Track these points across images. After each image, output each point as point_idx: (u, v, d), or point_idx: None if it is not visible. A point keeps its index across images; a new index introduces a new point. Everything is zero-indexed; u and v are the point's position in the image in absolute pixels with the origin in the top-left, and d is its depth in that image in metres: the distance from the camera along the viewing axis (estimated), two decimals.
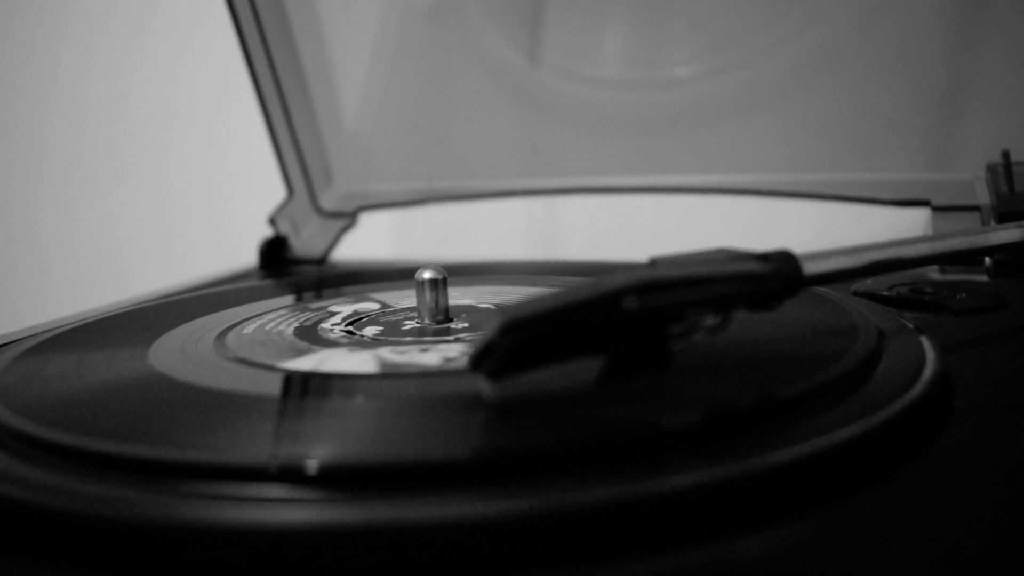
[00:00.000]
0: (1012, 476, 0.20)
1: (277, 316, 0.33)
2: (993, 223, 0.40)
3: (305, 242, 0.57)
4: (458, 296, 0.35)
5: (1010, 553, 0.16)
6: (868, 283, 0.36)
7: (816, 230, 0.56)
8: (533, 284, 0.38)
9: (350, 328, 0.31)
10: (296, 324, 0.32)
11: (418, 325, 0.31)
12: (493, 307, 0.34)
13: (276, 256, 0.56)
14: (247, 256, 0.56)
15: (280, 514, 0.17)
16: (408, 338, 0.29)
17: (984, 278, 0.39)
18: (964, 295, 0.34)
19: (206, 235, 0.81)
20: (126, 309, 0.37)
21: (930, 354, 0.25)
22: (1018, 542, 0.17)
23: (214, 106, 0.79)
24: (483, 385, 0.21)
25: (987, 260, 0.39)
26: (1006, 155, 0.41)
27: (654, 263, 0.24)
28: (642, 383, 0.22)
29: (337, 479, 0.18)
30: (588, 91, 0.55)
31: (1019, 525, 0.17)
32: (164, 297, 0.42)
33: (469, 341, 0.29)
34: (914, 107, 0.48)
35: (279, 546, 0.16)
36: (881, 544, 0.17)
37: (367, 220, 0.59)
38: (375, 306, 0.35)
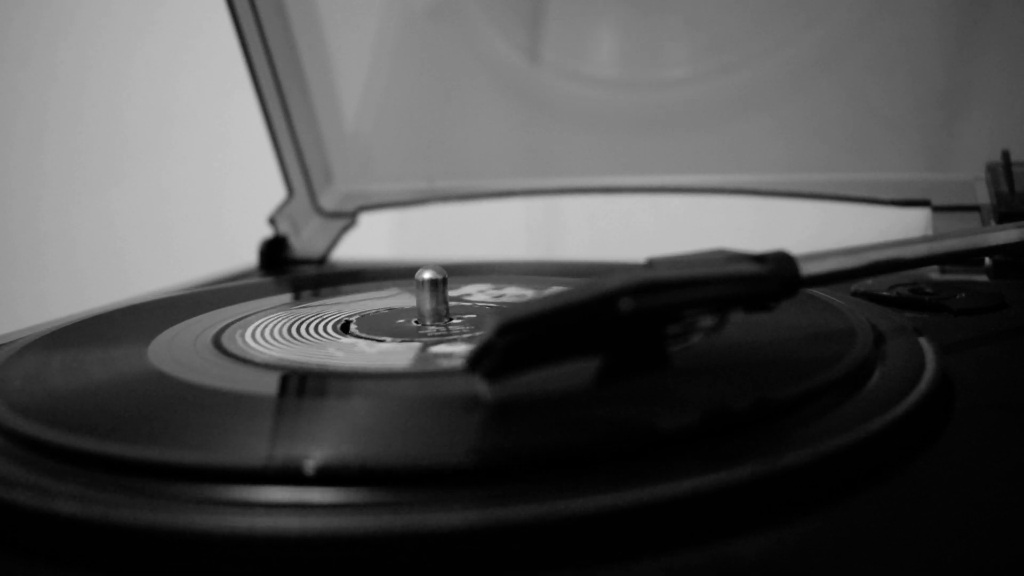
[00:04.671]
0: (1012, 476, 0.20)
1: (275, 315, 0.33)
2: (993, 223, 0.40)
3: (305, 242, 0.57)
4: (458, 296, 0.35)
5: (1010, 553, 0.16)
6: (868, 283, 0.36)
7: (816, 230, 0.56)
8: (533, 284, 0.38)
9: (348, 328, 0.31)
10: (294, 323, 0.32)
11: (418, 325, 0.31)
12: (493, 307, 0.34)
13: (276, 256, 0.56)
14: (247, 256, 0.56)
15: (277, 515, 0.17)
16: (407, 338, 0.29)
17: (984, 278, 0.39)
18: (964, 295, 0.34)
19: (206, 235, 0.81)
20: (124, 306, 0.37)
21: (930, 355, 0.25)
22: (1018, 542, 0.17)
23: (214, 106, 0.79)
24: (480, 386, 0.21)
25: (987, 260, 0.39)
26: (1006, 155, 0.41)
27: (651, 264, 0.23)
28: (639, 385, 0.22)
29: (333, 481, 0.18)
30: (588, 91, 0.55)
31: (1019, 525, 0.17)
32: (163, 296, 0.42)
33: (468, 341, 0.28)
34: (914, 107, 0.48)
35: (276, 547, 0.16)
36: (881, 544, 0.17)
37: (367, 220, 0.59)
38: (374, 306, 0.35)
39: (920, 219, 0.46)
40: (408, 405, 0.22)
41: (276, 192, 0.58)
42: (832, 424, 0.20)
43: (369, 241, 0.62)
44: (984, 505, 0.18)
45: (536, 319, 0.20)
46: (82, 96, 0.84)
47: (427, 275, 0.31)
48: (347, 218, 0.58)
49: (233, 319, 0.33)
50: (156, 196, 0.83)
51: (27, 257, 0.89)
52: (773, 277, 0.24)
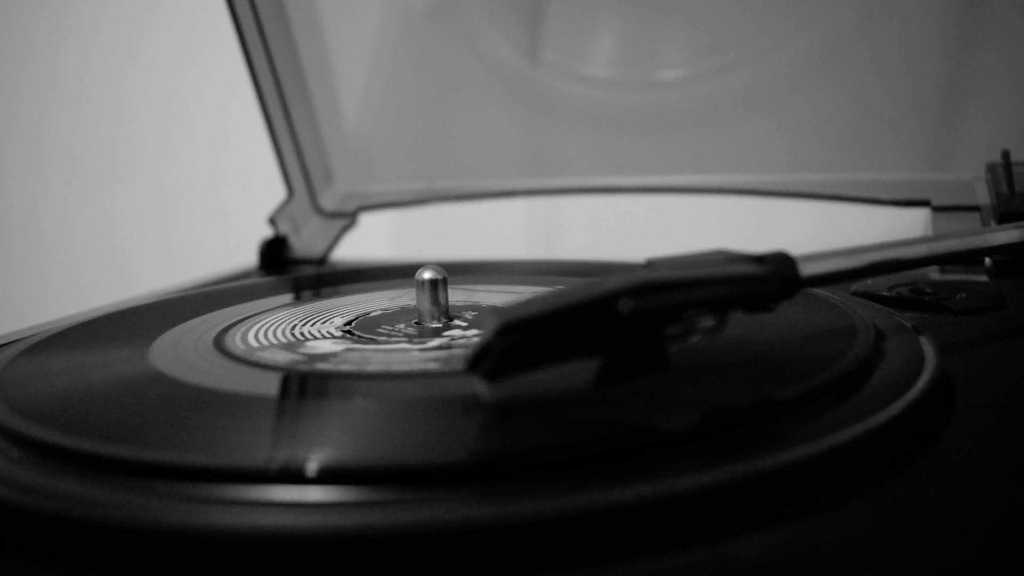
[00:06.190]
0: (1012, 476, 0.20)
1: (276, 315, 0.33)
2: (993, 223, 0.40)
3: (305, 242, 0.57)
4: (458, 296, 0.35)
5: (1010, 553, 0.16)
6: (868, 283, 0.36)
7: (816, 230, 0.56)
8: (533, 284, 0.38)
9: (348, 328, 0.31)
10: (294, 324, 0.32)
11: (417, 325, 0.31)
12: (492, 307, 0.34)
13: (276, 256, 0.56)
14: (247, 256, 0.56)
15: (277, 516, 0.17)
16: (407, 338, 0.29)
17: (984, 278, 0.39)
18: (964, 295, 0.34)
19: (206, 235, 0.81)
20: (125, 308, 0.37)
21: (930, 354, 0.25)
22: (1018, 542, 0.17)
23: (214, 106, 0.79)
24: (480, 386, 0.21)
25: (987, 260, 0.39)
26: (1006, 155, 0.41)
27: (651, 264, 0.23)
28: (639, 385, 0.22)
29: (333, 481, 0.18)
30: (588, 91, 0.55)
31: (1019, 525, 0.17)
32: (164, 296, 0.42)
33: (468, 342, 0.28)
34: (914, 107, 0.48)
35: (276, 548, 0.16)
36: (881, 544, 0.17)
37: (367, 220, 0.59)
38: (374, 306, 0.35)
39: (920, 219, 0.46)
40: (407, 406, 0.22)
41: (276, 192, 0.58)
42: (832, 423, 0.20)
43: (369, 241, 0.62)
44: (984, 505, 0.18)
45: (535, 320, 0.20)
46: (82, 96, 0.84)
47: (427, 275, 0.31)
48: (347, 218, 0.58)
49: (234, 320, 0.33)
50: (156, 196, 0.83)
51: (27, 257, 0.89)
52: (773, 278, 0.24)
